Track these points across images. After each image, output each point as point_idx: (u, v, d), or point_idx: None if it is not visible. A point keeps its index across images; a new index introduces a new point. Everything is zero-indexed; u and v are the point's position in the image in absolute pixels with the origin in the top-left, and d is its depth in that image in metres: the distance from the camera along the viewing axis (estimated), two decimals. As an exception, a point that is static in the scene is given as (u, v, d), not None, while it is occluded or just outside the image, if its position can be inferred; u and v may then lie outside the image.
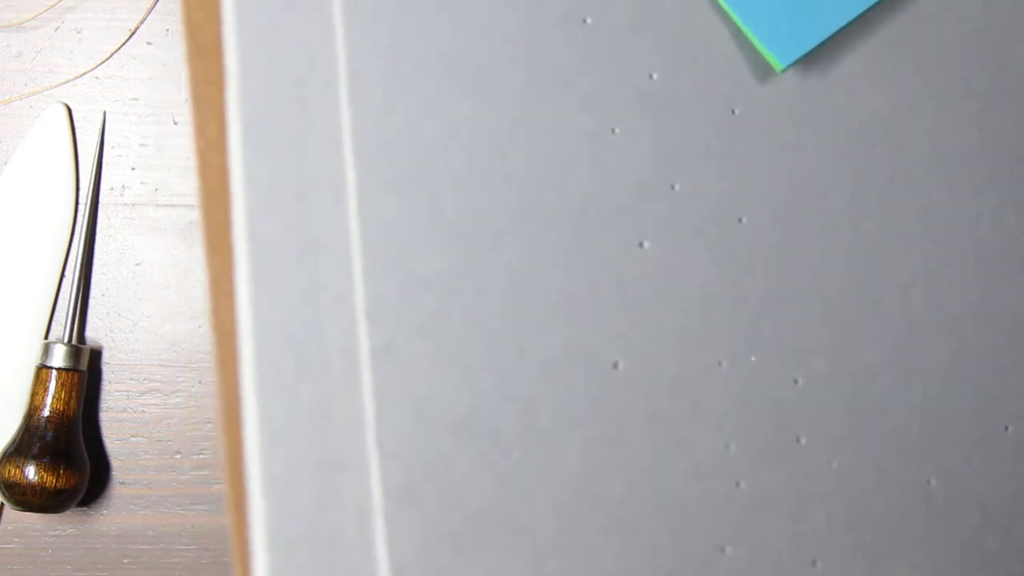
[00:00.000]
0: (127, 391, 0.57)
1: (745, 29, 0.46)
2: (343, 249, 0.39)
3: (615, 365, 0.42)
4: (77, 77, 0.56)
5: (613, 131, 0.43)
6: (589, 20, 0.43)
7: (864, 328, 0.44)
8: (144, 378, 0.57)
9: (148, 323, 0.57)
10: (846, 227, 0.44)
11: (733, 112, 0.44)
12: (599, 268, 0.42)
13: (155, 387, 0.57)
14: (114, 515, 0.57)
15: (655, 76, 0.43)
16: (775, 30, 0.45)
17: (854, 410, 0.44)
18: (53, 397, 0.54)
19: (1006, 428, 0.45)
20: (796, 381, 0.44)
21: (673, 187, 0.43)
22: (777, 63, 0.45)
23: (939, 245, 0.45)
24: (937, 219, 0.45)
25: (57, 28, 0.56)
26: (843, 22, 0.46)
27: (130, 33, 0.56)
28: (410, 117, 0.40)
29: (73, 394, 0.54)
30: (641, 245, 0.43)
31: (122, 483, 0.57)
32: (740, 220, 0.44)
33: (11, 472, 0.52)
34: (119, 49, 0.57)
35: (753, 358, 0.43)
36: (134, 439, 0.57)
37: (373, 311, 0.39)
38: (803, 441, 0.43)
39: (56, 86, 0.56)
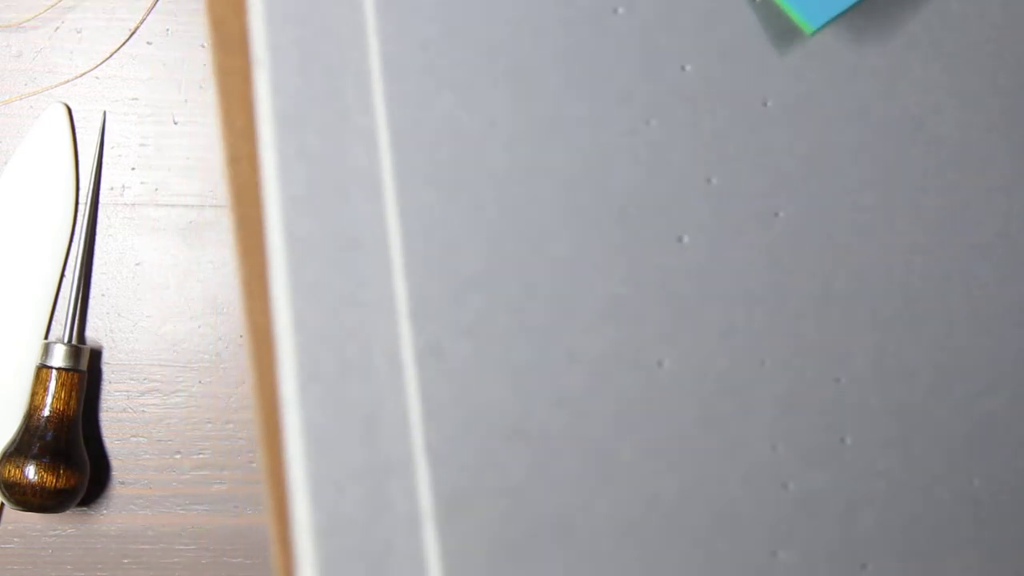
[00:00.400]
0: (127, 391, 0.57)
1: None
2: (383, 247, 0.38)
3: (660, 364, 0.41)
4: (77, 77, 0.56)
5: (648, 123, 0.42)
6: (620, 10, 0.42)
7: (903, 327, 0.44)
8: (144, 378, 0.57)
9: (148, 323, 0.57)
10: (880, 224, 0.44)
11: (765, 104, 0.44)
12: (640, 265, 0.41)
13: (155, 387, 0.57)
14: (114, 515, 0.57)
15: (688, 68, 0.43)
16: None
17: (897, 410, 0.43)
18: (53, 397, 0.54)
19: None
20: (838, 380, 0.43)
21: (710, 181, 0.43)
22: (807, 26, 0.44)
23: (973, 244, 0.45)
24: (969, 217, 0.45)
25: (57, 28, 0.56)
26: None
27: (130, 33, 0.56)
28: (447, 110, 0.40)
29: (73, 394, 0.54)
30: (680, 240, 0.42)
31: (122, 483, 0.57)
32: (776, 215, 0.43)
33: (11, 472, 0.52)
34: (119, 49, 0.57)
35: (795, 357, 0.43)
36: (134, 439, 0.57)
37: (417, 311, 0.38)
38: (848, 441, 0.43)
39: (56, 86, 0.56)
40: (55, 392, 0.54)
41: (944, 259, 0.44)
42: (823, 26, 0.44)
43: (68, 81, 0.56)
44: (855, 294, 0.43)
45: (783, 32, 0.44)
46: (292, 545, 0.38)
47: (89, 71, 0.56)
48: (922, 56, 0.45)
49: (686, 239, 0.42)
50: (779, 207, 0.43)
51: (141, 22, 0.57)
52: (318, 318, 0.37)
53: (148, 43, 0.57)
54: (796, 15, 0.44)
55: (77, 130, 0.56)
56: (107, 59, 0.56)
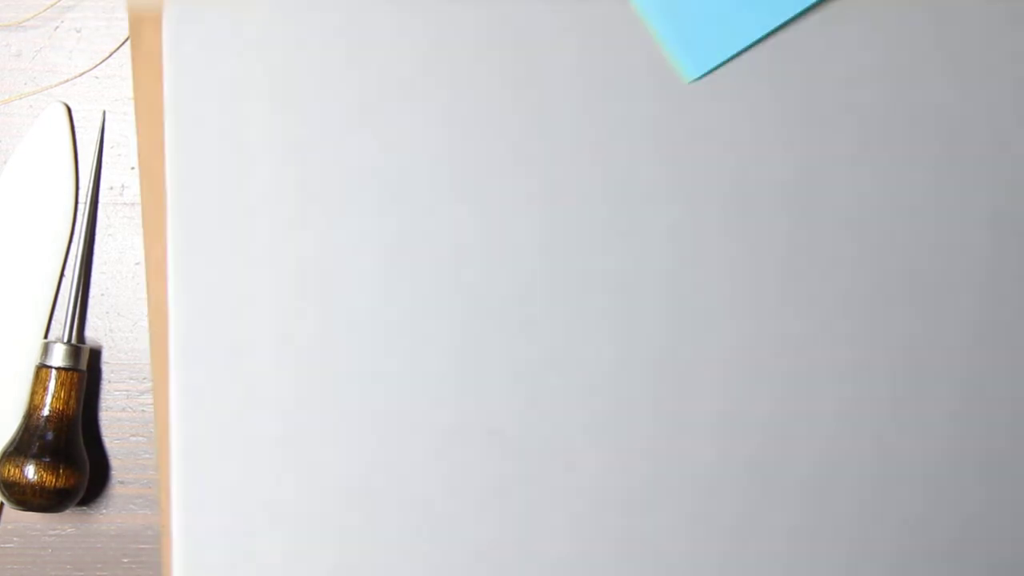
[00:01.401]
0: (127, 391, 0.57)
1: (659, 38, 0.48)
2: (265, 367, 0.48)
3: (492, 432, 0.47)
4: (77, 77, 0.56)
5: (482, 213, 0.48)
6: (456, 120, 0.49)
7: (731, 389, 0.48)
8: (144, 378, 0.57)
9: (148, 323, 0.57)
10: (712, 300, 0.48)
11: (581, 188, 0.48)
12: (487, 350, 0.47)
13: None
14: (114, 515, 0.57)
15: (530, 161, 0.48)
16: (687, 42, 0.48)
17: (722, 464, 0.48)
18: (53, 396, 0.54)
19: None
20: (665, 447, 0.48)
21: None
22: (686, 74, 0.48)
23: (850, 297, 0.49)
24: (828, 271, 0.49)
25: (57, 28, 0.56)
26: (749, 41, 0.48)
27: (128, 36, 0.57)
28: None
29: (73, 393, 0.54)
30: (524, 331, 0.48)
31: (122, 483, 0.57)
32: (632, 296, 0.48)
33: (11, 471, 0.52)
34: (119, 49, 0.57)
35: (617, 415, 0.47)
36: (134, 439, 0.57)
37: (274, 396, 0.47)
38: (673, 497, 0.48)
39: (56, 86, 0.56)
40: (55, 392, 0.54)
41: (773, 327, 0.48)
42: (702, 76, 0.48)
43: (68, 81, 0.56)
44: (684, 348, 0.48)
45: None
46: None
47: (89, 71, 0.56)
48: (769, 89, 0.49)
49: (531, 331, 0.48)
50: (636, 289, 0.48)
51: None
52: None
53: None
54: (677, 62, 0.48)
55: (77, 130, 0.56)
56: (107, 59, 0.56)
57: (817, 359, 0.48)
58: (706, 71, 0.48)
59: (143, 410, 0.57)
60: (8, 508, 0.57)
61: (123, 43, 0.57)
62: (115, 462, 0.57)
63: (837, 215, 0.50)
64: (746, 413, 0.48)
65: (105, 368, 0.57)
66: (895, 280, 0.48)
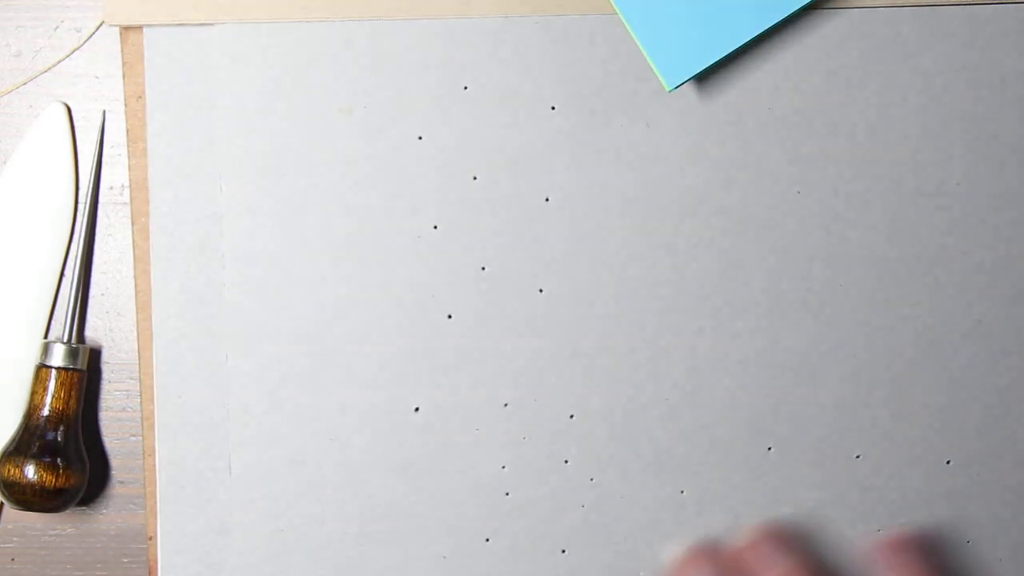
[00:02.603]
0: (127, 391, 0.57)
1: (641, 48, 0.50)
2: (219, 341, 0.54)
3: (417, 410, 0.54)
4: (76, 77, 0.56)
5: (435, 228, 0.54)
6: (423, 137, 0.53)
7: (644, 372, 0.54)
8: (144, 377, 0.57)
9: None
10: (632, 294, 0.54)
11: (547, 200, 0.54)
12: (410, 337, 0.54)
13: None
14: (114, 515, 0.57)
15: (477, 177, 0.53)
16: (668, 52, 0.50)
17: (620, 437, 0.55)
18: (53, 396, 0.54)
19: (769, 449, 0.55)
20: (572, 416, 0.55)
21: (484, 268, 0.54)
22: (666, 83, 0.50)
23: (719, 305, 0.54)
24: (732, 278, 0.54)
25: (57, 28, 0.56)
26: (729, 49, 0.50)
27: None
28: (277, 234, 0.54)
29: (73, 393, 0.54)
30: (449, 317, 0.54)
31: (122, 483, 0.57)
32: (540, 291, 0.54)
33: (11, 471, 0.52)
34: (118, 48, 0.56)
35: (535, 400, 0.54)
36: (134, 439, 0.57)
37: (233, 381, 0.54)
38: (569, 462, 0.55)
39: (55, 86, 0.56)
40: (55, 391, 0.54)
41: (702, 317, 0.54)
42: (680, 84, 0.50)
43: (67, 81, 0.56)
44: (600, 348, 0.54)
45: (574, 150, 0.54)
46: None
47: (88, 71, 0.56)
48: (720, 132, 0.54)
49: (453, 317, 0.54)
50: (543, 285, 0.54)
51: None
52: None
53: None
54: (658, 71, 0.50)
55: (77, 130, 0.56)
56: (106, 59, 0.56)
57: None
58: (685, 79, 0.50)
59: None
60: (8, 508, 0.57)
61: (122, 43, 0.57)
62: (115, 462, 0.57)
63: (821, 218, 0.55)
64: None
65: (105, 368, 0.57)
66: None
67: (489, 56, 0.53)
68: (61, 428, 0.53)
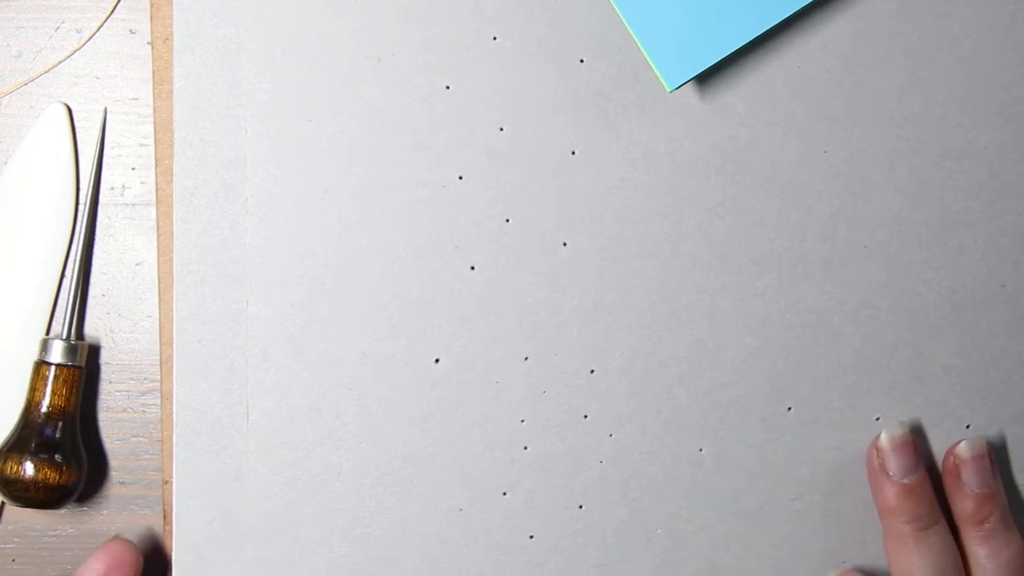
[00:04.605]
0: (127, 391, 0.57)
1: (642, 48, 0.50)
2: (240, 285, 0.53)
3: (437, 361, 0.54)
4: (77, 76, 0.57)
5: (460, 178, 0.53)
6: (450, 87, 0.53)
7: (663, 329, 0.54)
8: (144, 378, 0.57)
9: (148, 323, 0.57)
10: (656, 251, 0.54)
11: (573, 153, 0.53)
12: (432, 288, 0.53)
13: (155, 387, 0.57)
14: (114, 515, 0.57)
15: (504, 129, 0.53)
16: (669, 52, 0.50)
17: (641, 394, 0.54)
18: (52, 393, 0.53)
19: (789, 409, 0.54)
20: (592, 371, 0.54)
21: (508, 220, 0.53)
22: (666, 83, 0.50)
23: (742, 262, 0.54)
24: (751, 237, 0.54)
25: (57, 28, 0.57)
26: (730, 50, 0.50)
27: (130, 32, 0.57)
28: (299, 181, 0.53)
29: (72, 390, 0.54)
30: (472, 268, 0.53)
31: (122, 483, 0.57)
32: (564, 244, 0.53)
33: (10, 468, 0.52)
34: (119, 48, 0.57)
35: (555, 354, 0.54)
36: (134, 439, 0.57)
37: (253, 327, 0.53)
38: (588, 417, 0.54)
39: (56, 86, 0.57)
40: (54, 388, 0.53)
41: (724, 275, 0.54)
42: (682, 85, 0.50)
43: (68, 80, 0.57)
44: (622, 304, 0.54)
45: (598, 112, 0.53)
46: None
47: (89, 71, 0.57)
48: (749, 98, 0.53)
49: (476, 268, 0.53)
50: (567, 238, 0.53)
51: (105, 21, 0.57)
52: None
53: (148, 43, 0.57)
54: (659, 72, 0.50)
55: (77, 130, 0.57)
56: (106, 58, 0.57)
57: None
58: (686, 80, 0.50)
59: (143, 411, 0.57)
60: (8, 508, 0.57)
61: (124, 43, 0.57)
62: (115, 462, 0.57)
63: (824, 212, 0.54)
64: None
65: (105, 368, 0.57)
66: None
67: (519, 6, 0.52)
68: (60, 425, 0.53)
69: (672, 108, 0.53)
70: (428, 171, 0.53)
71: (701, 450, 0.54)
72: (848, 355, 0.54)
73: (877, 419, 0.54)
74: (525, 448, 0.54)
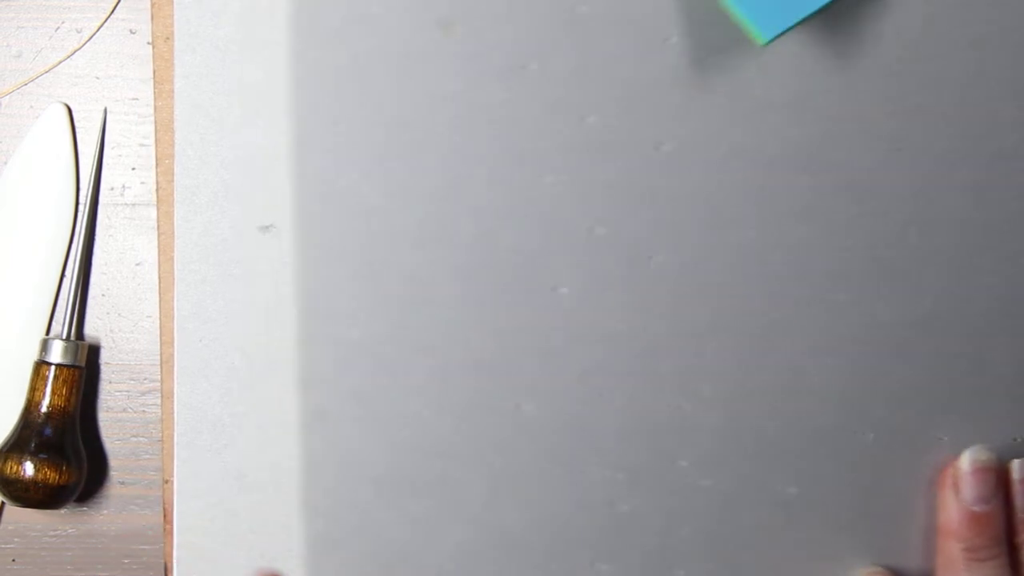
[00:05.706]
0: (127, 391, 0.57)
1: (731, 5, 0.47)
2: (277, 322, 0.49)
3: (518, 407, 0.49)
4: (77, 76, 0.57)
5: (542, 179, 0.48)
6: (533, 66, 0.48)
7: (755, 356, 0.49)
8: (144, 378, 0.57)
9: (148, 323, 0.57)
10: (751, 260, 0.49)
11: (658, 148, 0.49)
12: (513, 318, 0.48)
13: (155, 387, 0.57)
14: (114, 515, 0.57)
15: (589, 119, 0.49)
16: (759, 5, 0.47)
17: (733, 430, 0.49)
18: (52, 393, 0.53)
19: (870, 436, 0.50)
20: (680, 407, 0.49)
21: (592, 231, 0.49)
22: (760, 37, 0.47)
23: (833, 275, 0.49)
24: (835, 248, 0.49)
25: (57, 28, 0.57)
26: (823, 3, 0.47)
27: (130, 32, 0.57)
28: (353, 183, 0.49)
29: (72, 390, 0.54)
30: (555, 290, 0.49)
31: (122, 483, 0.57)
32: (650, 259, 0.49)
33: (10, 468, 0.52)
34: (119, 48, 0.57)
35: (643, 389, 0.49)
36: (134, 439, 0.57)
37: (308, 378, 0.49)
38: (682, 463, 0.49)
39: (56, 86, 0.57)
40: (54, 388, 0.53)
41: (807, 290, 0.49)
42: (775, 38, 0.47)
43: (68, 80, 0.57)
44: (715, 327, 0.49)
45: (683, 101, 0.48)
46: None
47: (88, 71, 0.57)
48: (824, 88, 0.49)
49: (562, 290, 0.49)
50: (653, 252, 0.49)
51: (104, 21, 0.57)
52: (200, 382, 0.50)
53: (148, 43, 0.57)
54: (751, 26, 0.47)
55: (77, 130, 0.57)
56: (106, 58, 0.57)
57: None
58: (779, 32, 0.46)
59: (143, 411, 0.57)
60: (8, 508, 0.57)
61: (124, 43, 0.57)
62: (115, 462, 0.57)
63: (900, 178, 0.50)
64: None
65: (105, 369, 0.57)
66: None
67: None
68: (60, 425, 0.53)
69: (759, 96, 0.49)
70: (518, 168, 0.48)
71: (789, 490, 0.50)
72: (916, 374, 0.50)
73: (942, 439, 0.50)
74: (611, 504, 0.50)
